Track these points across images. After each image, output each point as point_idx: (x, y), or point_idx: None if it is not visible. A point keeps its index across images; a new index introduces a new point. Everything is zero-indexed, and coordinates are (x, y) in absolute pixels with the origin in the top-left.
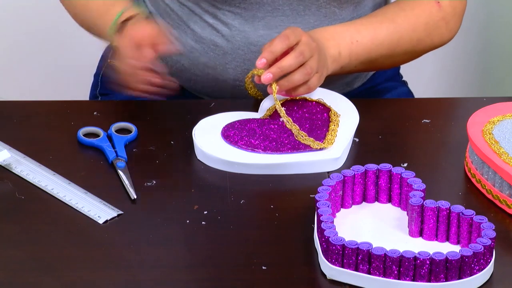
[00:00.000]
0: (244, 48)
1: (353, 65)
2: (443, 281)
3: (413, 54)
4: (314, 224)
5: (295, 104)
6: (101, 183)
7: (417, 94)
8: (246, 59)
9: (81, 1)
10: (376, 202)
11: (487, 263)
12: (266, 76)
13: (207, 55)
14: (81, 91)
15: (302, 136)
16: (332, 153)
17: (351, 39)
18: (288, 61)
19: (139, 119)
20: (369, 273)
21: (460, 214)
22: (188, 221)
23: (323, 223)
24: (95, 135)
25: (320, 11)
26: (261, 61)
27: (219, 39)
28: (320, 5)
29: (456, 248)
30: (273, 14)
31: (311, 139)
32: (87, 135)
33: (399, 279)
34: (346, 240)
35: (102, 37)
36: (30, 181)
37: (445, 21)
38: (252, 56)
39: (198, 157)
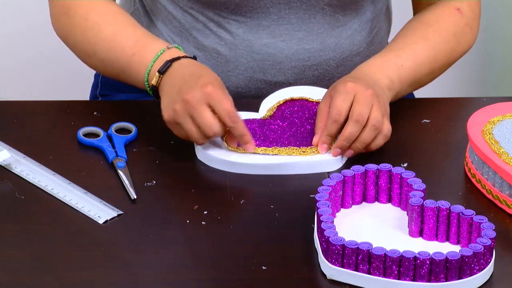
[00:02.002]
0: (247, 57)
1: (404, 89)
2: (443, 281)
3: (448, 65)
4: (314, 224)
5: (296, 104)
6: (101, 183)
7: (417, 94)
8: (248, 67)
9: (107, 36)
10: (376, 202)
11: (487, 263)
12: (335, 152)
13: (209, 62)
14: (81, 91)
15: (304, 152)
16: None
17: (396, 65)
18: (349, 130)
19: (139, 119)
20: (369, 273)
21: (460, 214)
22: (188, 221)
23: (323, 223)
24: (95, 135)
25: (325, 19)
26: (323, 147)
27: (221, 47)
28: (325, 13)
29: (456, 248)
30: (278, 23)
31: (309, 148)
32: (87, 135)
33: (399, 279)
34: (346, 240)
35: (136, 80)
36: (30, 181)
37: (469, 26)
38: (254, 65)
39: (198, 157)
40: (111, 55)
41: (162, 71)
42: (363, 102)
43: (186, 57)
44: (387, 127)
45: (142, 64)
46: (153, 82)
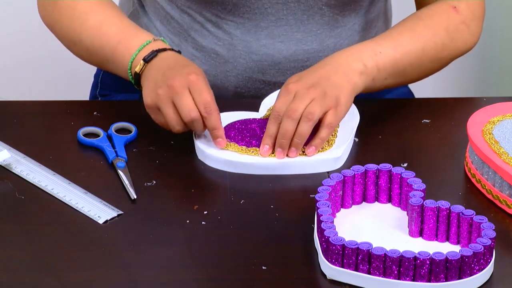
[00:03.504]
0: (246, 57)
1: (383, 77)
2: (443, 281)
3: (439, 61)
4: (314, 224)
5: None
6: (101, 183)
7: (417, 94)
8: (247, 68)
9: (94, 25)
10: (376, 202)
11: (487, 263)
12: (278, 153)
13: (208, 63)
14: (81, 91)
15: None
16: (332, 153)
17: (374, 51)
18: (283, 127)
19: (139, 119)
20: (369, 273)
21: (460, 214)
22: (188, 221)
23: (323, 223)
24: (95, 135)
25: (323, 19)
26: (265, 149)
27: (220, 47)
28: (323, 14)
29: (456, 248)
30: (276, 24)
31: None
32: (87, 135)
33: (399, 279)
34: (346, 240)
35: (119, 68)
36: (30, 181)
37: (465, 24)
38: (253, 65)
39: (199, 157)
40: (96, 43)
41: (147, 60)
42: (299, 99)
43: (172, 50)
44: (329, 118)
45: (126, 52)
46: (137, 69)
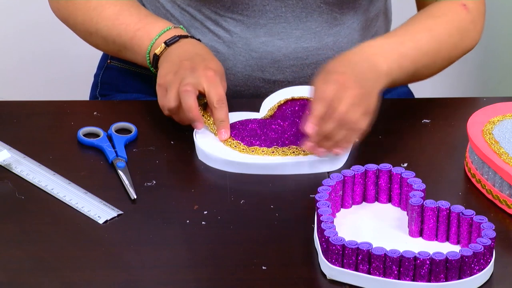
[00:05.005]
0: (245, 55)
1: (403, 78)
2: (443, 281)
3: (449, 61)
4: (314, 224)
5: (297, 104)
6: (101, 183)
7: (417, 94)
8: (247, 65)
9: (111, 15)
10: (376, 202)
11: (487, 263)
12: (308, 146)
13: None
14: (81, 91)
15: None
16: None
17: (398, 53)
18: (332, 132)
19: (139, 119)
20: (369, 273)
21: (460, 214)
22: (188, 221)
23: (323, 223)
24: (95, 135)
25: (322, 17)
26: (309, 127)
27: (220, 45)
28: (322, 11)
29: (456, 248)
30: (275, 21)
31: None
32: (87, 135)
33: (399, 279)
34: (346, 240)
35: (137, 53)
36: (30, 181)
37: (474, 23)
38: (252, 63)
39: (199, 157)
40: (114, 32)
41: (169, 43)
42: (353, 111)
43: (193, 37)
44: (360, 121)
45: (146, 37)
46: (157, 51)
